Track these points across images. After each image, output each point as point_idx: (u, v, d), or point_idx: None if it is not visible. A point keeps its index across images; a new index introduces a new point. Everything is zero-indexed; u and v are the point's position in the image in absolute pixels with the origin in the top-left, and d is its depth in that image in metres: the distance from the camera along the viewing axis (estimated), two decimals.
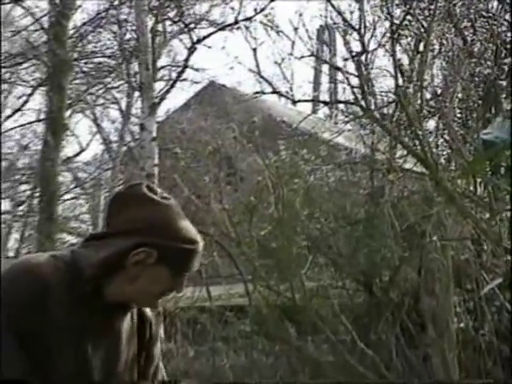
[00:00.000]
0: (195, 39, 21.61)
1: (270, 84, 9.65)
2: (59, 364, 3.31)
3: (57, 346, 3.32)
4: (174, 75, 23.06)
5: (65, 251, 3.45)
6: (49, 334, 3.30)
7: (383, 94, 9.26)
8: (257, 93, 13.26)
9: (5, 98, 25.94)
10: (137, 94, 22.00)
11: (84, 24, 23.46)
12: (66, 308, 3.30)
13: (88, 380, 3.41)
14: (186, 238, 3.36)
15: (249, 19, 19.66)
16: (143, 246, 3.25)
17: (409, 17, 7.51)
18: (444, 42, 6.96)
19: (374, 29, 7.59)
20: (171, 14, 21.46)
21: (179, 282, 3.41)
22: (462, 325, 6.39)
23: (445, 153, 7.76)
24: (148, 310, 3.61)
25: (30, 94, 25.96)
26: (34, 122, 26.41)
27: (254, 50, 11.79)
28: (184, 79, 22.53)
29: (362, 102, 6.47)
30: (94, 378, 3.39)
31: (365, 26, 6.75)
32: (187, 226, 3.42)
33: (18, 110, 26.43)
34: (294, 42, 10.41)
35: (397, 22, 6.66)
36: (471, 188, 6.47)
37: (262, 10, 17.91)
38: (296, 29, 10.51)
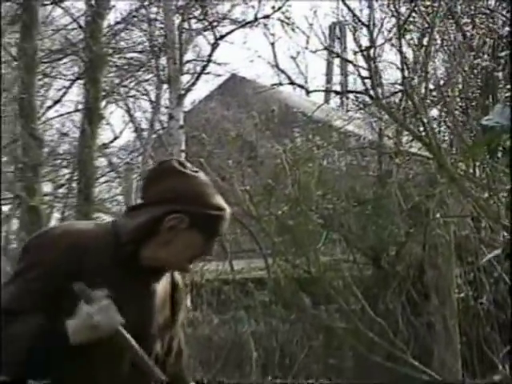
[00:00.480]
0: (218, 36, 21.63)
1: (287, 76, 9.60)
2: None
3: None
4: (198, 69, 22.98)
5: (107, 221, 3.49)
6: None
7: (390, 84, 9.26)
8: (274, 85, 13.25)
9: (46, 90, 26.03)
10: (165, 86, 21.95)
11: (117, 23, 23.46)
12: (102, 270, 3.29)
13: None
14: (215, 205, 3.36)
15: (267, 17, 19.67)
16: (176, 213, 3.27)
17: (414, 14, 7.51)
18: (446, 37, 6.91)
19: (382, 25, 7.58)
20: (196, 13, 21.46)
21: (209, 246, 3.41)
22: (462, 294, 6.35)
23: (447, 138, 7.72)
24: (180, 280, 3.61)
25: (69, 87, 26.10)
26: (72, 111, 26.49)
27: (272, 44, 11.77)
28: (208, 72, 22.47)
29: (371, 92, 6.40)
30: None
31: (373, 23, 6.70)
32: (215, 195, 3.42)
33: (58, 101, 26.54)
34: (308, 37, 10.39)
35: (403, 18, 6.62)
36: (471, 170, 6.44)
37: (280, 8, 17.88)
38: (311, 25, 10.49)
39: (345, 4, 6.86)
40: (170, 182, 3.40)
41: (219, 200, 3.42)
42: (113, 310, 3.23)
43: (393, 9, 6.94)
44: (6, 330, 3.21)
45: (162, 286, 3.48)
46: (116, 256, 3.29)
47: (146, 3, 22.37)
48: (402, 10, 7.05)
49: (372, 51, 6.53)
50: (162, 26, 20.96)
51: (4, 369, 3.29)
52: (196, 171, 3.44)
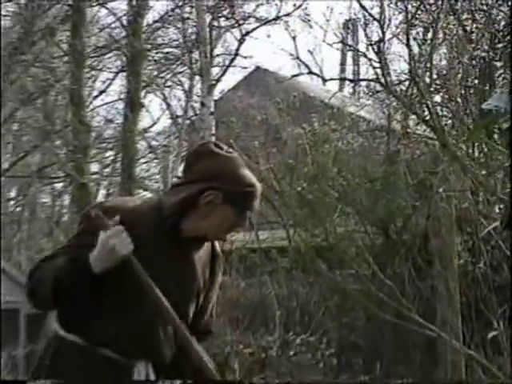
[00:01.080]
0: (244, 32, 21.92)
1: (307, 66, 9.55)
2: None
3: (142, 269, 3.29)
4: (226, 62, 23.25)
5: (152, 197, 3.57)
6: (141, 258, 3.28)
7: (398, 74, 9.25)
8: (294, 75, 13.22)
9: (93, 81, 26.27)
10: (197, 77, 22.00)
11: (155, 21, 23.54)
12: (147, 241, 3.32)
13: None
14: (246, 182, 3.37)
15: (287, 15, 19.73)
16: (211, 190, 3.29)
17: (419, 11, 7.49)
18: (447, 31, 6.83)
19: (390, 21, 7.54)
20: (225, 12, 21.62)
21: (242, 219, 3.43)
22: (461, 261, 6.33)
23: (449, 121, 7.68)
24: (219, 250, 3.64)
25: (113, 79, 26.35)
26: (116, 100, 26.63)
27: (294, 38, 11.74)
28: (235, 65, 22.77)
29: (382, 80, 6.37)
30: (168, 300, 3.37)
31: (384, 18, 6.65)
32: (247, 173, 3.43)
33: (103, 91, 26.80)
34: (326, 32, 10.36)
35: (410, 15, 6.57)
36: (471, 150, 6.42)
37: (299, 6, 17.85)
38: (328, 20, 10.46)
39: (358, 2, 6.81)
40: (207, 163, 3.42)
41: (251, 178, 3.43)
42: (125, 234, 3.26)
43: (401, 6, 6.94)
44: (42, 267, 3.31)
45: (201, 255, 3.50)
46: (159, 228, 3.32)
47: (180, 4, 22.46)
48: (409, 7, 7.06)
49: (382, 44, 6.51)
50: (195, 24, 20.99)
51: (36, 299, 3.35)
52: (230, 152, 3.46)
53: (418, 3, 7.02)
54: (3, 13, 21.17)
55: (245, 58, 22.55)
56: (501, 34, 6.15)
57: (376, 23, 6.78)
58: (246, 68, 22.24)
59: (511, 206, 4.53)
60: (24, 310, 16.88)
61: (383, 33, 6.45)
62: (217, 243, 3.63)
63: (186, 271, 3.42)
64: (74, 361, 3.35)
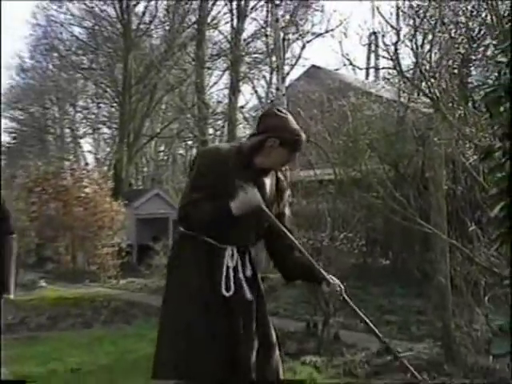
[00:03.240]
0: (305, 42, 21.88)
1: (349, 61, 9.35)
2: (235, 196, 3.33)
3: (231, 189, 3.33)
4: (293, 62, 23.22)
5: (236, 142, 3.65)
6: (226, 182, 3.35)
7: (407, 65, 9.08)
8: (337, 69, 13.11)
9: (209, 76, 26.48)
10: (274, 72, 21.93)
11: (248, 37, 23.58)
12: (234, 171, 3.37)
13: (254, 205, 3.40)
14: (295, 133, 3.44)
15: (332, 30, 19.67)
16: (272, 138, 3.38)
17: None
18: (440, 35, 6.58)
19: (401, 28, 7.29)
20: (292, 30, 21.52)
21: (292, 157, 3.52)
22: (447, 185, 6.22)
23: (439, 95, 7.52)
24: (281, 175, 3.73)
25: (222, 75, 26.52)
26: (223, 88, 26.64)
27: (340, 42, 11.57)
28: (298, 64, 22.90)
29: (398, 68, 6.22)
30: (258, 206, 3.39)
31: (399, 26, 6.45)
32: (296, 127, 3.48)
33: (216, 83, 27.11)
34: (361, 37, 10.20)
35: (415, 25, 6.35)
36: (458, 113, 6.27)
37: (341, 23, 17.58)
38: (362, 29, 10.28)
39: (381, 15, 6.62)
40: (270, 120, 3.48)
41: (298, 130, 3.47)
42: (256, 192, 3.34)
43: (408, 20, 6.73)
44: (196, 208, 3.33)
45: (269, 180, 3.53)
46: (241, 162, 3.38)
47: (264, 25, 22.44)
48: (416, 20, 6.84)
49: (397, 44, 6.35)
50: (273, 38, 20.94)
51: (188, 225, 3.40)
52: (286, 114, 3.54)
53: (422, 16, 6.74)
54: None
55: (305, 59, 22.68)
56: (476, 38, 5.90)
57: (390, 30, 6.66)
58: (305, 66, 22.20)
59: (481, 152, 4.38)
60: (171, 218, 17.66)
61: (398, 36, 6.27)
62: (280, 172, 3.64)
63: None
64: (190, 245, 3.44)
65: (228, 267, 3.40)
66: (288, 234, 3.54)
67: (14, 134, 31.91)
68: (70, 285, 12.96)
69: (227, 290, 3.36)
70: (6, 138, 31.18)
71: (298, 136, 3.46)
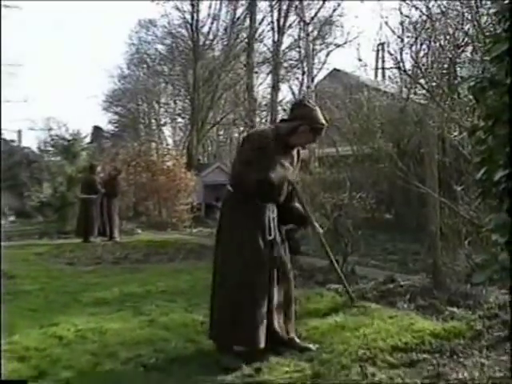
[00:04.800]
0: (329, 51, 21.56)
1: (365, 65, 9.07)
2: (274, 168, 3.36)
3: (273, 160, 3.37)
4: (319, 66, 22.76)
5: (273, 125, 3.66)
6: (272, 155, 3.36)
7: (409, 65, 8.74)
8: (354, 71, 12.73)
9: (256, 78, 25.84)
10: (305, 75, 21.55)
11: (286, 48, 23.17)
12: (275, 146, 3.39)
13: (284, 175, 3.46)
14: (320, 121, 3.42)
15: (350, 41, 19.16)
16: (303, 124, 3.38)
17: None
18: (432, 44, 6.27)
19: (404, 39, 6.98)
20: (319, 42, 21.08)
21: (316, 139, 3.53)
22: (438, 156, 6.01)
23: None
24: (304, 152, 3.82)
25: (266, 77, 25.75)
26: (267, 87, 26.10)
27: (357, 49, 11.27)
28: (323, 68, 22.32)
29: (402, 68, 5.99)
30: (287, 175, 3.47)
31: (403, 36, 6.19)
32: (321, 116, 3.46)
33: (261, 83, 26.46)
34: (373, 46, 9.86)
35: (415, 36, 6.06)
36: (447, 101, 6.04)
37: (357, 36, 17.12)
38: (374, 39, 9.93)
39: (389, 28, 6.34)
40: (301, 109, 3.48)
41: (323, 119, 3.47)
42: (288, 166, 3.45)
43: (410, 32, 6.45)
44: (248, 177, 3.33)
45: (295, 152, 3.56)
46: (278, 142, 3.37)
47: (298, 39, 22.05)
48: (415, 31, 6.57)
49: (401, 49, 6.11)
50: (305, 49, 20.64)
51: (248, 191, 3.36)
52: (314, 105, 3.57)
53: (419, 31, 6.46)
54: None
55: (328, 64, 22.36)
56: (460, 45, 5.62)
57: (395, 39, 6.39)
58: (328, 69, 21.74)
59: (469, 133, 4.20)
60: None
61: (402, 43, 6.04)
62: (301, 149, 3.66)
63: (291, 160, 3.51)
64: (236, 201, 3.42)
65: (269, 218, 3.41)
66: (299, 194, 3.61)
67: (116, 124, 32.62)
68: (158, 232, 13.20)
69: (270, 234, 3.37)
70: (110, 127, 32.01)
71: (322, 125, 3.49)
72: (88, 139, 18.61)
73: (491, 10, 4.56)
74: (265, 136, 3.45)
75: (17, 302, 5.10)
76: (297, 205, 3.67)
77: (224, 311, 3.31)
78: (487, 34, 4.85)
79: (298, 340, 3.53)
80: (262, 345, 3.24)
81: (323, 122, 3.50)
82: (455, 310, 4.31)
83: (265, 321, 3.25)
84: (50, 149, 17.38)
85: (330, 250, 4.04)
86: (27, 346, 3.64)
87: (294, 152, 3.62)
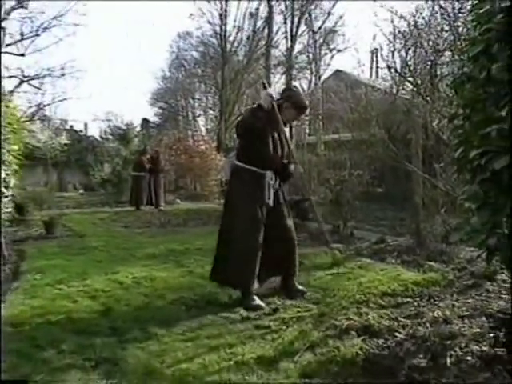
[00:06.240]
0: (332, 54, 21.01)
1: (363, 65, 8.75)
2: (271, 144, 3.34)
3: (272, 136, 3.35)
4: (325, 68, 22.22)
5: (256, 105, 3.31)
6: (264, 132, 3.29)
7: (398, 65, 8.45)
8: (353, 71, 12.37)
9: (274, 77, 25.16)
10: (313, 75, 21.08)
11: (297, 53, 22.63)
12: (270, 123, 3.28)
13: (282, 148, 3.43)
14: (302, 101, 3.41)
15: (350, 47, 18.55)
16: (288, 102, 3.34)
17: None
18: (418, 47, 5.98)
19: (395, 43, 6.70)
20: (324, 47, 20.70)
21: (299, 116, 3.55)
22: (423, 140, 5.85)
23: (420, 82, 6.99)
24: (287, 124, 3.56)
25: (280, 77, 24.90)
26: (281, 85, 25.48)
27: (356, 49, 10.91)
28: (328, 69, 21.74)
29: (394, 67, 5.80)
30: (284, 147, 3.44)
31: (394, 42, 5.93)
32: (303, 98, 3.44)
33: (277, 82, 25.71)
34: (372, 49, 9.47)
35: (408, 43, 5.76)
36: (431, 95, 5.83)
37: (358, 40, 16.63)
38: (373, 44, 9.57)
39: (384, 35, 6.09)
40: (288, 92, 3.46)
41: (304, 100, 3.43)
42: (282, 140, 3.40)
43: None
44: (254, 152, 3.34)
45: (287, 128, 3.57)
46: (272, 116, 3.24)
47: (307, 45, 21.51)
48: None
49: (394, 52, 5.90)
50: (313, 54, 20.11)
51: (251, 163, 3.30)
52: (298, 89, 3.52)
53: (407, 37, 6.17)
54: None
55: (333, 65, 21.71)
56: (440, 50, 5.39)
57: (388, 44, 6.15)
58: (332, 70, 21.18)
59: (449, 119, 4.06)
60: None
61: (393, 48, 5.83)
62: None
63: (282, 131, 3.39)
64: (240, 172, 3.36)
65: (269, 184, 3.40)
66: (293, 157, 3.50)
67: (160, 116, 32.87)
68: (193, 202, 13.33)
69: (268, 198, 3.36)
70: (156, 119, 32.16)
71: (303, 103, 3.43)
72: (138, 128, 18.87)
73: (468, 19, 4.37)
74: (259, 117, 3.25)
75: (87, 255, 5.26)
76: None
77: (240, 262, 3.31)
78: (463, 39, 4.68)
79: (298, 285, 3.60)
80: (256, 286, 3.30)
81: (303, 100, 3.48)
82: (433, 264, 4.33)
83: (257, 268, 3.26)
84: (109, 136, 17.85)
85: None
86: (96, 288, 3.78)
87: (287, 128, 3.66)
